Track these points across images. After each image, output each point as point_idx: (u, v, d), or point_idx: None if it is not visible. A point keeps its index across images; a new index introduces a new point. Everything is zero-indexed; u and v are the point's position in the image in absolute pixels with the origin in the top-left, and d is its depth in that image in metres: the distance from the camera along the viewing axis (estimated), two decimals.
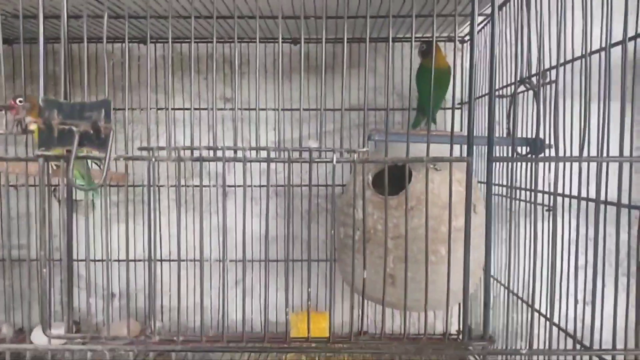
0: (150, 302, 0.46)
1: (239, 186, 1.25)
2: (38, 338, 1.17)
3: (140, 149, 0.47)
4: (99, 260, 1.26)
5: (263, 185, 1.31)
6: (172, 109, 1.11)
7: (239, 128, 1.26)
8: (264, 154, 0.49)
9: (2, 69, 0.49)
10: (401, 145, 0.98)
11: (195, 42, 0.93)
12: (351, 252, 0.99)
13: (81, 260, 1.30)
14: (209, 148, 0.47)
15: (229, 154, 0.46)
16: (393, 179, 0.97)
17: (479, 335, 0.70)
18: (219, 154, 0.47)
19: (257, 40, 0.52)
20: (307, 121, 1.26)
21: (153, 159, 0.46)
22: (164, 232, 1.13)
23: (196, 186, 1.24)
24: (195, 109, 1.17)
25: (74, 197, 1.36)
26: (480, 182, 1.05)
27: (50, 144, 0.45)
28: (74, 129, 0.45)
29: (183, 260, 1.24)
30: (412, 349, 0.55)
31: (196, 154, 0.46)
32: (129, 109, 0.91)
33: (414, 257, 0.86)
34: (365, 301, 1.16)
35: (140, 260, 1.21)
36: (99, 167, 0.91)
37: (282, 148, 0.48)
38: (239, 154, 0.47)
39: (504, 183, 1.03)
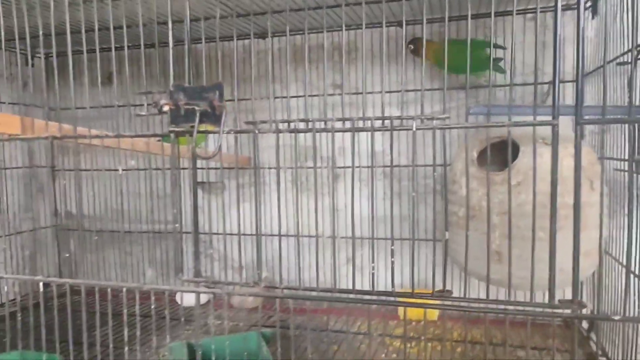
0: (259, 253, 0.54)
1: (347, 167, 1.31)
2: (179, 298, 1.37)
3: (247, 122, 0.54)
4: (230, 234, 1.40)
5: (370, 166, 1.36)
6: (290, 97, 1.20)
7: (347, 112, 1.32)
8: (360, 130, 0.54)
9: (143, 68, 0.61)
10: (504, 120, 0.95)
11: (308, 33, 1.01)
12: (456, 229, 0.99)
13: (216, 234, 1.48)
14: (301, 120, 0.53)
15: (319, 125, 0.52)
16: (498, 155, 0.95)
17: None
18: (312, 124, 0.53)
19: (364, 27, 0.57)
20: (413, 102, 1.27)
21: (257, 131, 0.53)
22: (282, 210, 1.24)
23: (309, 167, 1.33)
24: (309, 95, 1.25)
25: (207, 180, 1.56)
26: (601, 158, 0.97)
27: (178, 121, 0.55)
28: (196, 108, 0.54)
29: (301, 236, 1.34)
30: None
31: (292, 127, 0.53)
32: (255, 98, 1.01)
33: (521, 233, 0.83)
34: (471, 279, 1.15)
35: (266, 235, 1.33)
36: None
37: (365, 117, 0.52)
38: (329, 125, 0.52)
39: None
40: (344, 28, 0.60)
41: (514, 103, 1.19)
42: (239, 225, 0.61)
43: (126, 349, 0.70)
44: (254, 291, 0.55)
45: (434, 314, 1.23)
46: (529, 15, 1.21)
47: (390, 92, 1.29)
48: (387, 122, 0.52)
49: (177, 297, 1.37)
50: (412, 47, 1.16)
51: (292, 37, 1.33)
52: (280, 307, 1.33)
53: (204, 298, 1.41)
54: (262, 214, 1.31)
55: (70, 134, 0.62)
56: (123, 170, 1.17)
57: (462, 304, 0.54)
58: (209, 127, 0.54)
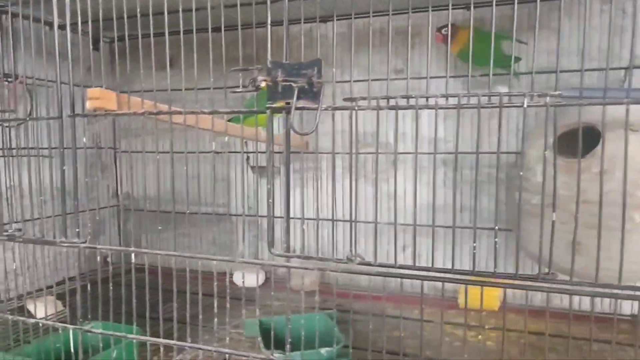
0: (353, 230, 0.54)
1: (409, 153, 1.29)
2: (238, 279, 1.40)
3: (345, 99, 0.54)
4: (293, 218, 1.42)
5: (431, 153, 1.34)
6: (353, 81, 1.19)
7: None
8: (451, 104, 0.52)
9: (241, 51, 0.61)
10: (589, 105, 0.91)
11: (373, 15, 1.00)
12: (530, 219, 0.96)
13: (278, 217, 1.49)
14: (403, 97, 0.53)
15: (422, 102, 0.51)
16: (573, 143, 0.91)
17: None
18: (412, 102, 0.52)
19: (430, 9, 0.56)
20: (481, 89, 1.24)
21: (356, 108, 0.53)
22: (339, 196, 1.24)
23: (369, 153, 1.32)
24: (372, 80, 1.24)
25: (260, 164, 1.57)
26: None
27: (275, 98, 0.56)
28: (293, 84, 0.54)
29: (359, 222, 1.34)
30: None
31: (392, 103, 0.52)
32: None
33: (604, 223, 0.80)
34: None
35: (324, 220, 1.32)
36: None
37: (472, 93, 0.51)
38: (431, 101, 0.51)
39: None
40: (410, 11, 0.58)
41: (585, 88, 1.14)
42: (288, 208, 0.60)
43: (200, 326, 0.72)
44: (346, 267, 0.55)
45: (495, 304, 1.21)
46: None
47: (454, 77, 1.26)
48: (494, 99, 0.50)
49: (236, 278, 1.40)
50: (446, 31, 1.11)
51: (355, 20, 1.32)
52: (337, 292, 1.33)
53: (261, 279, 1.44)
54: (318, 200, 1.31)
55: (164, 110, 0.63)
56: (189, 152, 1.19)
57: (567, 287, 0.52)
58: (307, 104, 0.54)
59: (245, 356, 0.66)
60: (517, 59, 1.16)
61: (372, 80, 0.60)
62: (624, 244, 0.77)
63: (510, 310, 1.21)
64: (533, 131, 1.04)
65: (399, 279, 1.39)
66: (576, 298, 1.20)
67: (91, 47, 0.63)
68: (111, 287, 0.72)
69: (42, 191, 0.75)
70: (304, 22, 0.61)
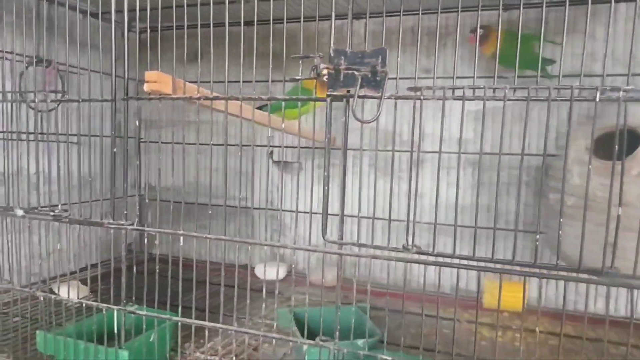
0: (410, 219, 0.54)
1: (434, 152, 1.29)
2: (259, 272, 1.40)
3: (410, 89, 0.54)
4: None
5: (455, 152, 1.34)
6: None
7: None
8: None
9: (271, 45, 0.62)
10: (628, 108, 0.91)
11: (404, 14, 1.00)
12: (565, 220, 0.96)
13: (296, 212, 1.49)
14: (470, 87, 0.53)
15: (490, 93, 0.51)
16: (610, 146, 0.91)
17: None
18: (479, 93, 0.52)
19: (459, 9, 0.56)
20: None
21: (421, 97, 0.53)
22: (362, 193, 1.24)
23: (397, 151, 1.32)
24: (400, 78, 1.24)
25: (284, 159, 1.58)
26: None
27: (336, 86, 0.56)
28: (356, 73, 0.55)
29: (376, 219, 1.35)
30: None
31: (458, 93, 0.53)
32: None
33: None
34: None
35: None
36: None
37: (520, 87, 0.51)
38: (498, 92, 0.51)
39: None
40: (439, 10, 0.59)
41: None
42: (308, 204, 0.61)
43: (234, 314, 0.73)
44: (400, 256, 0.56)
45: (519, 305, 1.21)
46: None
47: (481, 77, 1.26)
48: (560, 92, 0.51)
49: (258, 271, 1.41)
50: (482, 31, 1.13)
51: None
52: (357, 287, 1.33)
53: (282, 273, 1.44)
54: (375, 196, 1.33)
55: (221, 96, 0.64)
56: (213, 144, 1.19)
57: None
58: (369, 92, 0.54)
59: (293, 341, 0.66)
60: (551, 62, 1.16)
61: (400, 78, 0.60)
62: None
63: (533, 313, 1.21)
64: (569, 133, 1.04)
65: (420, 278, 1.39)
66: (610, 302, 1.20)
67: (126, 34, 0.63)
68: (145, 274, 0.73)
69: (70, 177, 0.76)
70: (335, 19, 0.62)
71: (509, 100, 0.53)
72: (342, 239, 0.58)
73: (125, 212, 0.70)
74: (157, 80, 0.62)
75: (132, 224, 0.69)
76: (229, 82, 0.64)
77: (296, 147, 1.52)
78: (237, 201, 1.57)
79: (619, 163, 0.87)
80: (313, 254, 1.54)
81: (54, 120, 1.10)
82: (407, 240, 0.56)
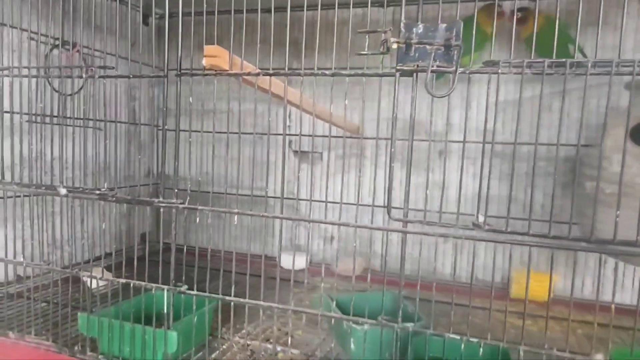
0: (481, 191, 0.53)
1: (458, 141, 1.29)
2: (286, 262, 1.39)
3: (486, 62, 0.54)
4: (332, 202, 1.41)
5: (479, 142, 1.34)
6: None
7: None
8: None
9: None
10: None
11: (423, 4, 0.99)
12: (602, 208, 0.96)
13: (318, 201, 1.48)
14: (550, 61, 0.52)
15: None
16: None
17: None
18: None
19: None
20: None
21: (498, 71, 0.53)
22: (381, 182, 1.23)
23: (424, 140, 1.32)
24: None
25: (303, 149, 1.56)
26: None
27: (406, 60, 0.55)
28: (428, 47, 0.54)
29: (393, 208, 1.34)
30: None
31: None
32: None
33: None
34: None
35: (364, 205, 1.31)
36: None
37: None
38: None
39: None
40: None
41: None
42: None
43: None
44: (472, 234, 0.55)
45: (545, 295, 1.21)
46: None
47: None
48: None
49: (284, 262, 1.39)
50: (520, 15, 1.12)
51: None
52: (382, 278, 1.32)
53: (302, 263, 1.43)
54: (360, 186, 1.32)
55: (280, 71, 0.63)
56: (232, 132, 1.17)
57: None
58: (442, 66, 0.53)
59: (353, 319, 0.65)
60: (582, 52, 1.16)
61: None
62: None
63: (560, 303, 1.21)
64: (606, 121, 1.04)
65: (446, 269, 1.39)
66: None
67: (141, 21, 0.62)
68: (179, 261, 0.72)
69: (91, 161, 0.74)
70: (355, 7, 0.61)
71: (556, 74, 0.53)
72: (407, 215, 0.58)
73: (175, 190, 0.68)
74: (216, 54, 0.61)
75: (183, 203, 0.68)
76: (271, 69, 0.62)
77: (325, 136, 1.52)
78: (260, 191, 1.56)
79: None
80: (332, 244, 1.53)
81: (79, 104, 1.08)
82: (477, 217, 0.55)
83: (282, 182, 0.70)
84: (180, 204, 0.68)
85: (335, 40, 0.63)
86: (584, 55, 1.16)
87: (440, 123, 1.34)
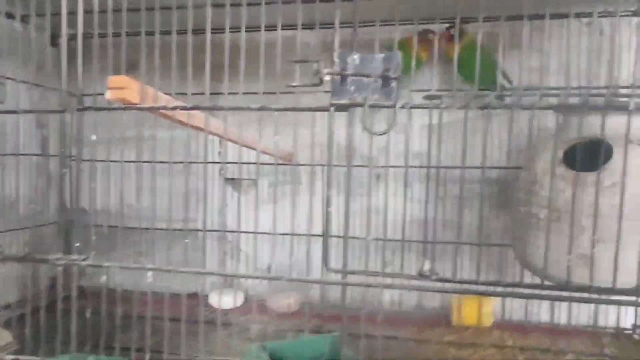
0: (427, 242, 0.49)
1: (391, 166, 1.27)
2: (214, 300, 1.28)
3: (426, 97, 0.49)
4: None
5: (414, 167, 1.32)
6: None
7: None
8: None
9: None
10: (594, 119, 0.93)
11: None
12: (535, 232, 0.96)
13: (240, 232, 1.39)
14: (506, 93, 0.49)
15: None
16: (587, 155, 0.93)
17: None
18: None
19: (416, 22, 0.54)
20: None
21: (442, 105, 0.48)
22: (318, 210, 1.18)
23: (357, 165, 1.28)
24: None
25: (237, 176, 1.48)
26: None
27: (341, 93, 0.50)
28: (365, 79, 0.49)
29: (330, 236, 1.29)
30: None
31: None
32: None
33: (613, 237, 0.81)
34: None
35: (300, 235, 1.24)
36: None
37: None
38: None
39: None
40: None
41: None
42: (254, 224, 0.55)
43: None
44: (416, 285, 0.50)
45: (488, 321, 1.20)
46: (585, 20, 1.21)
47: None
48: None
49: (213, 300, 1.28)
50: (452, 33, 1.13)
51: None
52: (315, 313, 1.26)
53: (238, 301, 1.33)
54: (294, 214, 1.25)
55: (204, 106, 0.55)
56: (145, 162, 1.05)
57: None
58: (380, 100, 0.48)
59: None
60: (506, 77, 1.18)
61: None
62: (631, 257, 0.78)
63: (500, 327, 1.20)
64: (537, 145, 1.05)
65: (378, 299, 1.35)
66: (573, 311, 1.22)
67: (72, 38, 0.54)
68: (74, 314, 0.61)
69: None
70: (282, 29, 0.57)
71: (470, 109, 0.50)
72: (346, 266, 0.52)
73: (76, 244, 0.58)
74: (123, 85, 0.52)
75: (87, 258, 0.58)
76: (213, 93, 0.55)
77: (253, 164, 1.43)
78: (176, 224, 1.44)
79: (590, 174, 0.89)
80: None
81: None
82: (423, 265, 0.50)
83: (204, 213, 0.61)
84: (84, 260, 0.58)
85: (264, 64, 0.57)
86: (508, 80, 1.18)
87: (375, 147, 1.31)
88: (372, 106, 0.49)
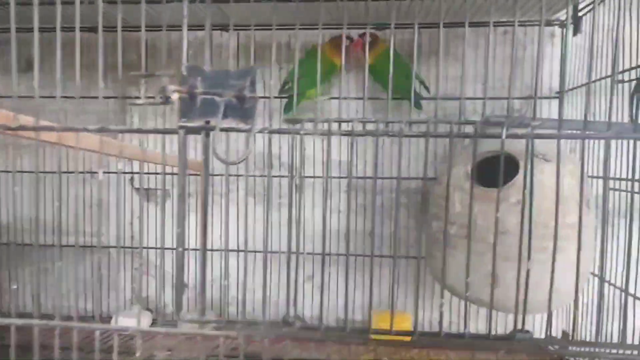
0: (289, 291, 0.43)
1: (317, 177, 1.21)
2: (125, 324, 1.17)
3: (287, 121, 0.43)
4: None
5: (342, 177, 1.28)
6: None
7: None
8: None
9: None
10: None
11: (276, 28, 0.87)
12: (444, 248, 0.94)
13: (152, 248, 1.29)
14: (360, 120, 0.43)
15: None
16: (495, 170, 0.91)
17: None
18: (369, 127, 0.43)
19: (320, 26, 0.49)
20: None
21: (301, 132, 0.42)
22: (233, 223, 1.11)
23: (275, 176, 1.22)
24: (275, 97, 1.13)
25: (147, 186, 1.37)
26: (592, 177, 0.96)
27: (191, 114, 0.43)
28: (217, 98, 0.42)
29: (250, 252, 1.22)
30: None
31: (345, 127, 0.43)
32: None
33: (518, 256, 0.80)
34: (458, 301, 1.10)
35: (214, 250, 1.16)
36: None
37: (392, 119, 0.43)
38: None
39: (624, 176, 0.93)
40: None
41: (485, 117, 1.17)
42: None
43: None
44: (285, 332, 0.44)
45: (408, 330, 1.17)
46: (500, 29, 1.20)
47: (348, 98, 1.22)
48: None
49: (120, 322, 1.18)
50: (371, 39, 1.07)
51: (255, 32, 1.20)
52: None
53: (147, 322, 1.23)
54: (209, 227, 1.17)
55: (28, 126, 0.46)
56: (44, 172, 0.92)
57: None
58: (237, 124, 0.42)
59: None
60: (423, 84, 1.15)
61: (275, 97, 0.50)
62: (537, 275, 0.76)
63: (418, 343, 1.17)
64: (452, 157, 1.03)
65: (307, 311, 1.29)
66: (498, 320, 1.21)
67: None
68: None
69: None
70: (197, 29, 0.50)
71: (385, 136, 0.45)
72: (204, 313, 0.45)
73: None
74: None
75: None
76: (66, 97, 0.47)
77: (158, 174, 1.34)
78: (86, 238, 1.32)
79: (496, 190, 0.87)
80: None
81: None
82: (288, 311, 0.44)
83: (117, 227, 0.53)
84: None
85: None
86: (426, 87, 1.15)
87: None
88: (224, 130, 0.42)
